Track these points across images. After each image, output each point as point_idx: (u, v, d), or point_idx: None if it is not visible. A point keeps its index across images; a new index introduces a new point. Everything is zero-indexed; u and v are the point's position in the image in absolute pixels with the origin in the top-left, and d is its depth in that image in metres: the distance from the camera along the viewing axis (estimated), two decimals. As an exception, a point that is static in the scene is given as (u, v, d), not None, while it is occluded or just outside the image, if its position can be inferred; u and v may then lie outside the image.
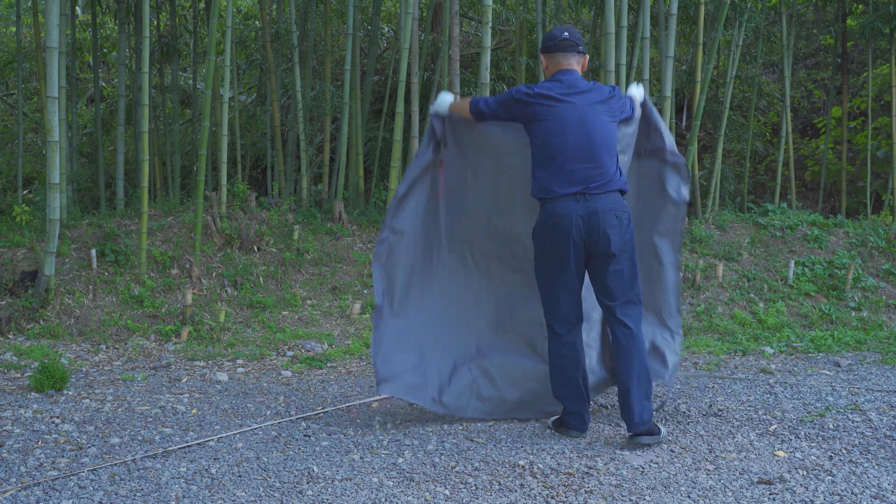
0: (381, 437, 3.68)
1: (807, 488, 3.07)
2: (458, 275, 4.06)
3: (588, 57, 3.80)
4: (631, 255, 3.62)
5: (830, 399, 4.36)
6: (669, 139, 4.02)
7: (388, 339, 3.86)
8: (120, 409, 4.10)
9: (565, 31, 3.72)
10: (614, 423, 3.92)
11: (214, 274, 6.50)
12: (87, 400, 4.28)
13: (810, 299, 6.67)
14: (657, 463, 3.35)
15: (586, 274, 3.71)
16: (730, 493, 3.02)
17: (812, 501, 2.95)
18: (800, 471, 3.26)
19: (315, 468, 3.26)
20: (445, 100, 3.96)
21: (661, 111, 7.21)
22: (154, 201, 7.89)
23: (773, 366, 5.21)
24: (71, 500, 2.92)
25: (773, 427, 3.84)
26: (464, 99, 3.92)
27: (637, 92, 3.94)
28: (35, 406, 4.13)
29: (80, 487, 3.04)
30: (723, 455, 3.45)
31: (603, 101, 3.64)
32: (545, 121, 3.59)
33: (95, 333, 5.65)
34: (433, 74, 8.36)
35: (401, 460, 3.37)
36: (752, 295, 6.65)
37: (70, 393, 4.40)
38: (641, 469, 3.27)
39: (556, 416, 3.80)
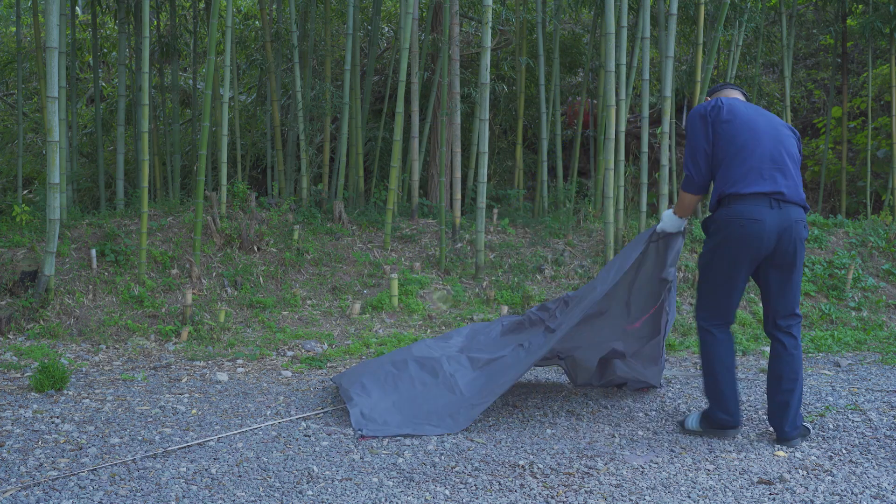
0: (381, 437, 3.67)
1: (807, 488, 3.07)
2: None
3: None
4: (801, 268, 3.62)
5: (830, 399, 4.36)
6: None
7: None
8: (120, 409, 4.10)
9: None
10: (614, 423, 3.92)
11: (214, 274, 6.50)
12: (87, 400, 4.28)
13: (810, 299, 6.67)
14: (657, 463, 3.35)
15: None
16: (730, 493, 3.02)
17: (812, 501, 2.95)
18: (800, 471, 3.26)
19: (315, 468, 3.26)
20: (670, 217, 3.81)
21: (661, 111, 7.22)
22: (154, 201, 7.89)
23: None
24: (71, 500, 2.92)
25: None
26: (680, 198, 3.74)
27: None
28: (35, 406, 4.13)
29: (80, 487, 3.04)
30: (723, 455, 3.45)
31: (785, 126, 3.68)
32: (734, 120, 3.54)
33: (95, 333, 5.65)
34: (433, 74, 8.36)
35: (401, 460, 3.37)
36: (751, 295, 6.64)
37: (70, 393, 4.40)
38: (641, 469, 3.27)
39: (693, 418, 3.76)
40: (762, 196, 3.45)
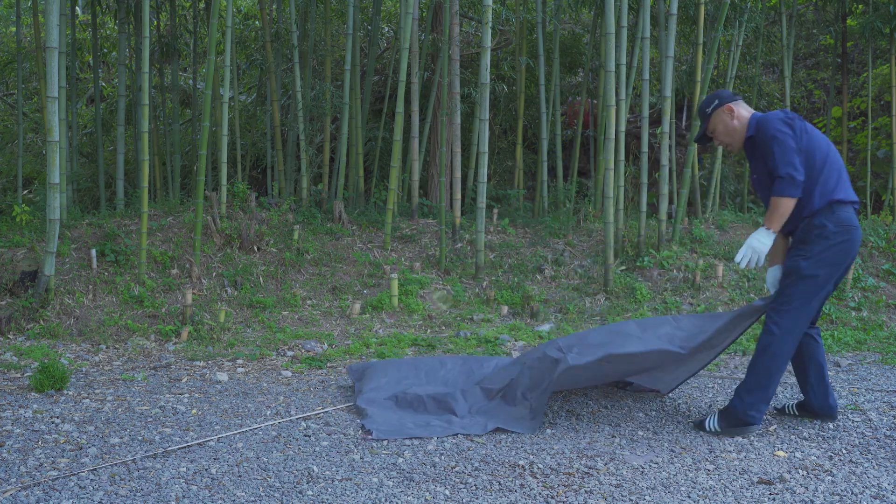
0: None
1: (807, 488, 3.07)
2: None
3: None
4: None
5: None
6: None
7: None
8: (120, 409, 4.10)
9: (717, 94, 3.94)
10: (614, 423, 3.92)
11: (214, 274, 6.50)
12: (87, 400, 4.28)
13: (810, 299, 6.66)
14: (657, 463, 3.35)
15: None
16: (730, 493, 3.02)
17: (812, 501, 2.95)
18: (800, 471, 3.26)
19: (315, 468, 3.26)
20: (764, 237, 3.66)
21: (661, 111, 7.22)
22: (154, 201, 7.89)
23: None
24: (71, 500, 2.92)
25: (773, 427, 3.84)
26: (778, 206, 3.61)
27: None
28: (35, 406, 4.13)
29: (80, 487, 3.04)
30: (723, 455, 3.45)
31: None
32: (813, 132, 3.71)
33: (95, 333, 5.65)
34: (433, 74, 8.36)
35: (401, 460, 3.37)
36: (751, 295, 6.65)
37: (70, 393, 4.40)
38: (641, 469, 3.27)
39: (713, 419, 3.76)
40: (851, 204, 3.67)
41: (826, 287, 3.66)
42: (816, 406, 3.91)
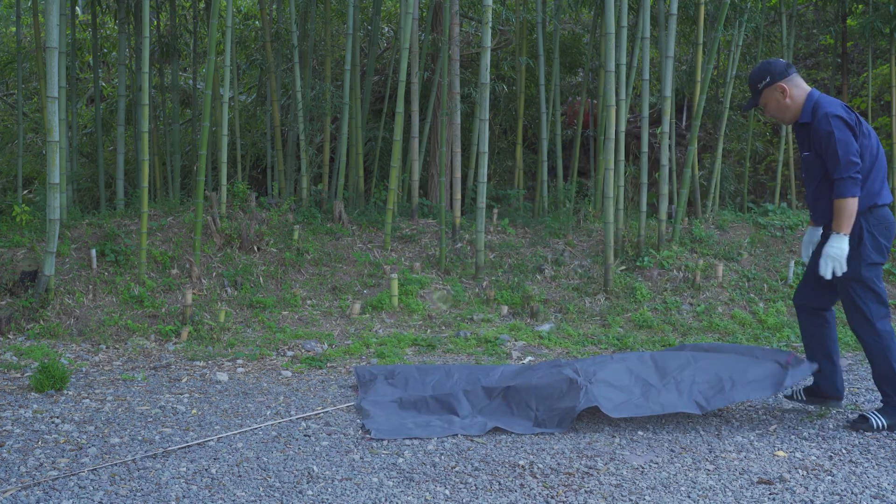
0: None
1: (807, 488, 3.07)
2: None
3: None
4: None
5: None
6: None
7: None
8: (120, 409, 4.10)
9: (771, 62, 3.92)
10: (614, 423, 3.92)
11: (214, 274, 6.50)
12: (87, 400, 4.28)
13: (810, 299, 6.66)
14: (657, 463, 3.35)
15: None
16: (729, 493, 3.02)
17: (812, 501, 2.95)
18: (800, 470, 3.26)
19: (315, 468, 3.26)
20: (843, 243, 3.67)
21: (661, 111, 7.22)
22: (154, 201, 7.89)
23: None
24: (71, 500, 2.92)
25: (773, 427, 3.85)
26: (846, 206, 3.63)
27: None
28: (35, 406, 4.13)
29: (80, 487, 3.04)
30: (723, 455, 3.45)
31: None
32: (871, 135, 3.79)
33: (95, 333, 5.65)
34: (433, 74, 8.36)
35: (401, 460, 3.37)
36: (751, 295, 6.65)
37: (70, 393, 4.40)
38: (641, 469, 3.27)
39: (877, 417, 3.78)
40: (887, 206, 3.80)
41: (881, 273, 3.83)
42: (825, 388, 3.98)
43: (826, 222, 3.81)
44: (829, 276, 3.68)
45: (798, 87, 3.83)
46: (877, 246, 3.74)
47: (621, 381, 3.90)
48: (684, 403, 3.76)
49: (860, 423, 3.78)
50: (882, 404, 3.81)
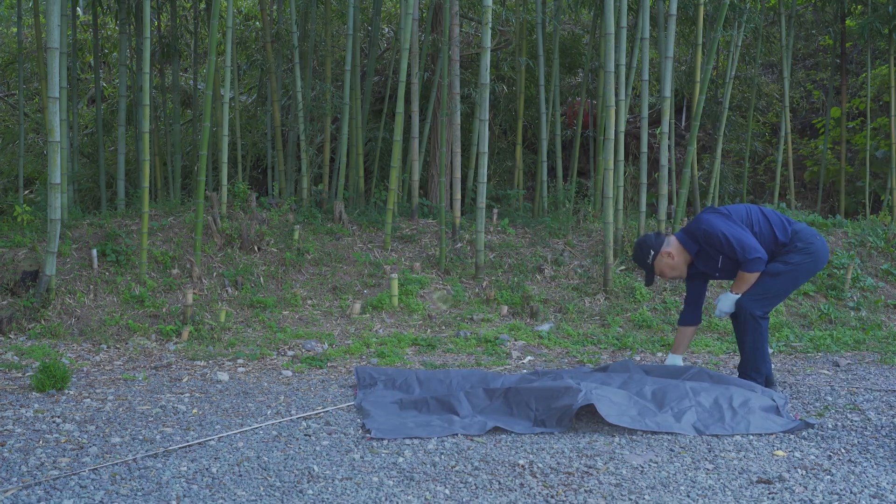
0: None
1: (806, 487, 3.08)
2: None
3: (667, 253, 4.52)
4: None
5: (829, 399, 4.37)
6: None
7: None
8: (121, 409, 4.12)
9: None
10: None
11: (215, 274, 6.51)
12: (88, 399, 4.29)
13: (809, 299, 6.68)
14: (657, 462, 3.36)
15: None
16: (729, 493, 3.03)
17: (811, 501, 2.96)
18: (799, 470, 3.27)
19: (315, 467, 3.27)
20: (734, 299, 4.45)
21: (660, 112, 7.24)
22: (155, 201, 7.90)
23: (771, 365, 5.21)
24: (72, 500, 2.93)
25: (772, 426, 3.85)
26: (745, 278, 4.36)
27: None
28: (36, 406, 4.14)
29: (81, 487, 3.05)
30: (722, 454, 3.46)
31: None
32: (735, 210, 4.53)
33: (96, 333, 5.66)
34: (433, 75, 8.38)
35: (401, 460, 3.38)
36: (751, 295, 6.65)
37: (71, 392, 4.42)
38: (641, 468, 3.29)
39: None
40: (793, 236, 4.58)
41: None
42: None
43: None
44: (724, 318, 4.83)
45: (673, 245, 4.48)
46: (800, 273, 4.47)
47: (620, 400, 3.93)
48: (681, 427, 3.80)
49: None
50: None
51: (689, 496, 3.00)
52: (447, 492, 3.03)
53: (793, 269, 4.35)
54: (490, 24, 6.72)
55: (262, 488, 3.05)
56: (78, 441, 3.58)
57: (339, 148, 8.03)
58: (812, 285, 6.79)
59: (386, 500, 2.95)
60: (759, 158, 10.66)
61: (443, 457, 3.41)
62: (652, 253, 4.47)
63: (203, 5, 9.51)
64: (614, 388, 4.04)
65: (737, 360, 5.42)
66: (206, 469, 3.24)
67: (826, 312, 6.42)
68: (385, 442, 3.61)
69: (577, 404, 3.79)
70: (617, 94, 6.83)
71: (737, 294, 4.38)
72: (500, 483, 3.11)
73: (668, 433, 3.72)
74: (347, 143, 7.91)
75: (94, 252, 6.29)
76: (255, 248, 6.85)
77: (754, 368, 4.43)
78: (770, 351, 5.69)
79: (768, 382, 4.48)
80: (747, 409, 3.90)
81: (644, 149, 7.24)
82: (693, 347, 5.71)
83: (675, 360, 4.70)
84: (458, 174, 7.31)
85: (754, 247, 4.27)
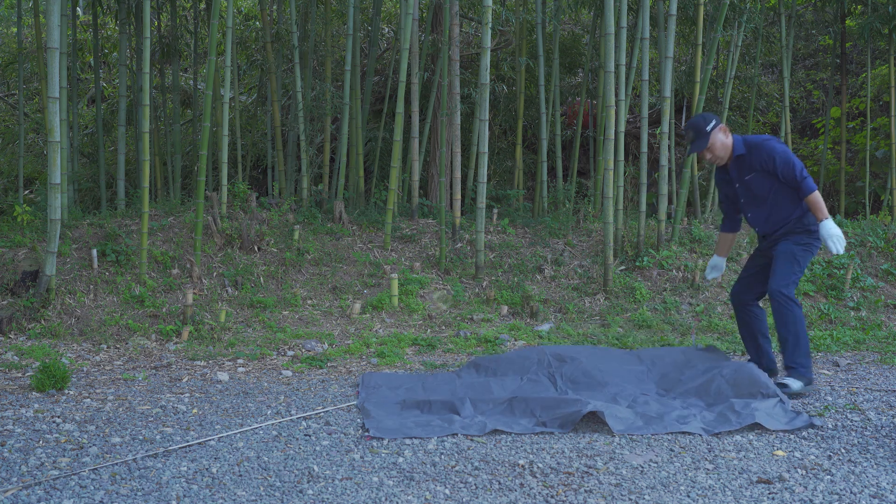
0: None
1: (806, 487, 3.08)
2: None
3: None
4: None
5: (829, 398, 4.37)
6: None
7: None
8: (121, 409, 4.12)
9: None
10: (614, 422, 3.93)
11: (215, 274, 6.51)
12: (88, 399, 4.29)
13: (809, 299, 6.68)
14: (656, 462, 3.36)
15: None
16: (729, 493, 3.03)
17: (811, 500, 2.96)
18: (799, 470, 3.27)
19: (315, 467, 3.27)
20: (834, 223, 4.36)
21: (660, 112, 7.24)
22: (155, 201, 7.90)
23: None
24: (72, 500, 2.93)
25: (772, 426, 3.85)
26: (815, 199, 4.39)
27: None
28: (36, 405, 4.14)
29: (81, 487, 3.05)
30: (722, 454, 3.46)
31: None
32: None
33: (96, 333, 5.66)
34: (433, 75, 8.37)
35: (401, 460, 3.38)
36: (751, 295, 6.65)
37: (71, 392, 4.42)
38: (641, 468, 3.29)
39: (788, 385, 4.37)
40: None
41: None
42: (764, 364, 4.69)
43: (776, 229, 4.52)
44: (842, 251, 4.26)
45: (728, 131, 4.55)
46: (813, 246, 4.56)
47: (625, 415, 3.94)
48: (688, 428, 3.81)
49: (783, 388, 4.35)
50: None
51: (689, 496, 3.00)
52: (447, 492, 3.03)
53: (808, 249, 4.49)
54: (490, 24, 6.72)
55: (262, 488, 3.05)
56: (78, 441, 3.58)
57: (339, 148, 8.02)
58: (812, 285, 6.79)
59: (386, 500, 2.95)
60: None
61: (443, 457, 3.42)
62: (714, 122, 4.47)
63: (203, 5, 9.51)
64: (622, 408, 4.05)
65: (737, 359, 5.41)
66: (206, 469, 3.24)
67: (826, 312, 6.42)
68: (385, 442, 3.61)
69: (584, 409, 3.82)
70: (617, 94, 6.83)
71: (828, 218, 4.35)
72: (500, 483, 3.11)
73: (667, 434, 3.72)
74: (347, 143, 7.91)
75: (94, 252, 6.29)
76: (255, 248, 6.85)
77: (805, 353, 4.44)
78: (771, 349, 5.72)
79: (771, 373, 4.59)
80: (751, 408, 3.92)
81: (644, 149, 7.24)
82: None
83: (719, 261, 4.90)
84: (458, 174, 7.31)
85: (805, 170, 4.39)
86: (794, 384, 4.38)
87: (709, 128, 4.47)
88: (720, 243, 4.94)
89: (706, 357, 4.87)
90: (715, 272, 4.97)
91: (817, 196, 4.37)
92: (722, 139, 4.50)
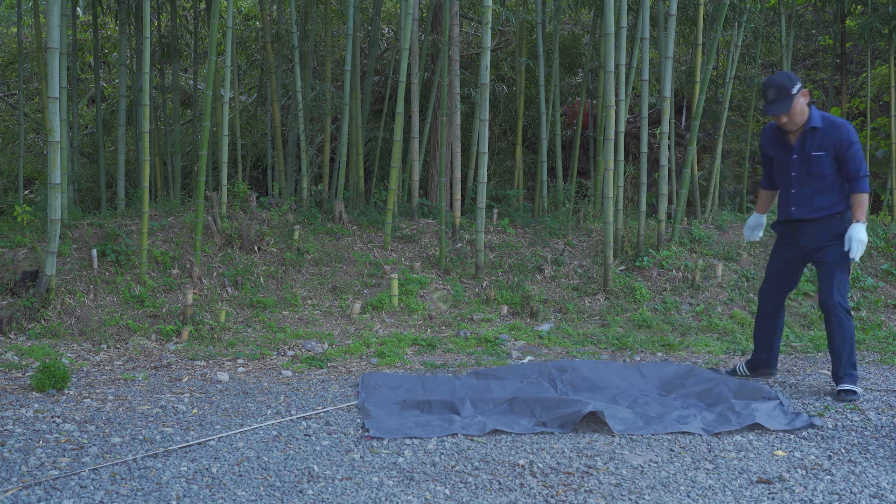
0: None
1: (806, 487, 3.08)
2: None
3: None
4: None
5: (829, 399, 4.37)
6: None
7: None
8: (121, 409, 4.12)
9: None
10: (614, 422, 3.93)
11: (215, 274, 6.51)
12: (88, 399, 4.29)
13: (809, 299, 6.68)
14: (656, 462, 3.36)
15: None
16: (729, 493, 3.03)
17: (811, 500, 2.96)
18: (799, 470, 3.27)
19: (315, 467, 3.27)
20: (864, 229, 4.27)
21: (660, 112, 7.24)
22: (155, 201, 7.90)
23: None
24: (72, 500, 2.93)
25: (772, 426, 3.85)
26: (861, 199, 4.30)
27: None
28: (36, 405, 4.14)
29: (81, 487, 3.05)
30: (722, 454, 3.46)
31: None
32: None
33: (96, 333, 5.66)
34: (433, 75, 8.37)
35: (401, 459, 3.38)
36: (751, 295, 6.66)
37: (71, 392, 4.42)
38: (641, 468, 3.29)
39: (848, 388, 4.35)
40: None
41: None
42: (773, 364, 4.77)
43: (814, 215, 4.36)
44: (858, 258, 4.24)
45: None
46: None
47: (625, 415, 3.95)
48: (688, 428, 3.82)
49: (844, 396, 4.31)
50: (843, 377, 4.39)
51: (689, 496, 3.00)
52: (447, 492, 3.03)
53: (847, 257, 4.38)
54: (490, 24, 6.72)
55: (262, 488, 3.05)
56: (78, 441, 3.58)
57: (339, 148, 8.02)
58: (812, 285, 6.79)
59: (386, 500, 2.95)
60: (759, 158, 10.66)
61: (443, 457, 3.42)
62: (800, 84, 4.25)
63: (203, 5, 9.51)
64: (622, 408, 4.06)
65: (737, 360, 5.42)
66: (206, 469, 3.25)
67: (826, 312, 6.41)
68: (385, 442, 3.61)
69: (584, 410, 3.83)
70: (617, 94, 6.83)
71: (862, 222, 4.23)
72: (500, 483, 3.11)
73: (667, 434, 3.72)
74: (347, 143, 7.91)
75: (94, 252, 6.29)
76: (255, 248, 6.85)
77: (852, 364, 4.40)
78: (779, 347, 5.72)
79: (772, 371, 4.76)
80: (751, 409, 3.93)
81: (644, 149, 7.24)
82: (693, 347, 5.71)
83: (761, 219, 4.81)
84: (458, 174, 7.31)
85: (864, 164, 4.29)
86: (857, 388, 4.37)
87: (794, 90, 4.19)
88: (761, 199, 4.77)
89: (710, 372, 4.82)
90: (757, 231, 4.80)
91: (866, 199, 4.27)
92: (802, 105, 4.27)
